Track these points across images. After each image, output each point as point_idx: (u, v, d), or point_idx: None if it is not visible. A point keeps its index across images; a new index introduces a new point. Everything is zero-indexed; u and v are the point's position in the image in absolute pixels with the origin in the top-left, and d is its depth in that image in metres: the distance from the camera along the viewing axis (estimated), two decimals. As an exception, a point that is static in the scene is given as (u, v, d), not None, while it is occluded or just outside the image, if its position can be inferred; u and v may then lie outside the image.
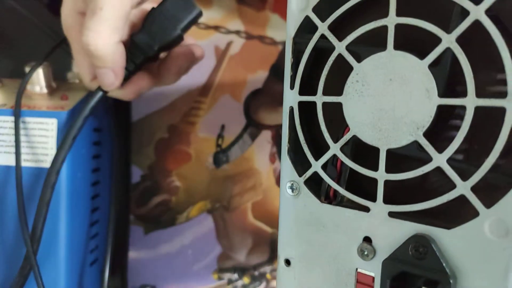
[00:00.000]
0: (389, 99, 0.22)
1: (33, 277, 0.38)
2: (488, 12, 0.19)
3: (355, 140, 0.23)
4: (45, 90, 0.43)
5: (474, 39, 0.20)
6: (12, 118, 0.40)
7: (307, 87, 0.26)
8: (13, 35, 0.51)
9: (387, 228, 0.22)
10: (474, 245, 0.19)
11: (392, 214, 0.22)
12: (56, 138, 0.40)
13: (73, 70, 0.47)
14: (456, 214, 0.20)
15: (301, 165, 0.26)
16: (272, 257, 0.53)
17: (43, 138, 0.40)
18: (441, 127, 0.20)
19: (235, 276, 0.53)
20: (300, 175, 0.26)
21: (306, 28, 0.25)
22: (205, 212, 0.52)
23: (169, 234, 0.52)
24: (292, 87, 0.26)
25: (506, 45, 0.18)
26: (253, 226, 0.52)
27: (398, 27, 0.21)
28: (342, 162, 0.24)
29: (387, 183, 0.22)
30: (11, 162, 0.40)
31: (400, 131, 0.21)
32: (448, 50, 0.20)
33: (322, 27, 0.24)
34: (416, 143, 0.21)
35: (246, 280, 0.53)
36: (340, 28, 0.24)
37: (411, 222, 0.21)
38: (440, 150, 0.20)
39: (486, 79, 0.19)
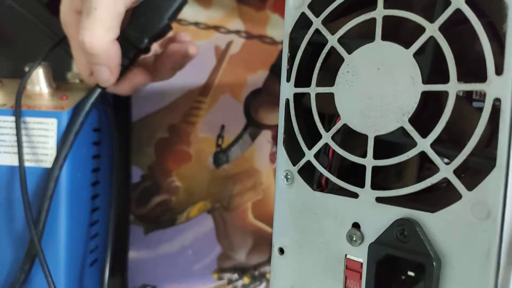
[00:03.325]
0: (377, 87, 0.23)
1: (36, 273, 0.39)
2: (469, 1, 0.20)
3: (346, 129, 0.24)
4: (45, 90, 0.43)
5: (456, 28, 0.21)
6: (12, 118, 0.40)
7: (304, 80, 0.26)
8: (13, 35, 0.51)
9: (375, 214, 0.23)
10: (457, 228, 0.20)
11: (379, 200, 0.22)
12: (56, 138, 0.40)
13: (73, 70, 0.47)
14: (440, 198, 0.21)
15: (295, 155, 0.27)
16: (272, 257, 0.53)
17: (43, 138, 0.40)
18: (425, 113, 0.21)
19: (235, 276, 0.53)
20: (294, 165, 0.26)
21: (302, 24, 0.26)
22: (205, 212, 0.52)
23: (169, 234, 0.52)
24: (288, 80, 0.27)
25: (485, 32, 0.19)
26: (253, 226, 0.52)
27: (386, 19, 0.22)
28: (333, 151, 0.25)
29: (376, 169, 0.23)
30: (11, 162, 0.40)
31: (387, 118, 0.22)
32: (431, 38, 0.21)
33: (316, 22, 0.25)
34: (402, 129, 0.22)
35: (246, 280, 0.53)
36: (336, 25, 0.25)
37: (397, 207, 0.22)
38: (424, 135, 0.21)
39: (468, 66, 0.20)
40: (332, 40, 0.25)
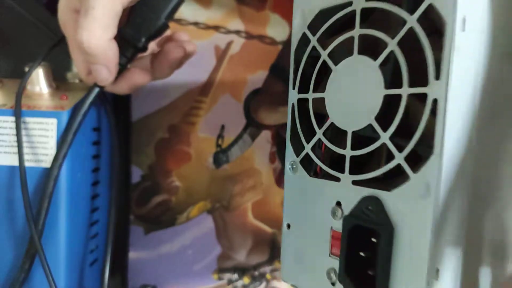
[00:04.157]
0: (353, 93, 0.28)
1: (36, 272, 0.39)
2: (423, 20, 0.24)
3: (334, 127, 0.30)
4: (45, 90, 0.43)
5: (412, 42, 0.25)
6: (12, 118, 0.40)
7: (307, 88, 0.32)
8: (13, 35, 0.51)
9: (351, 194, 0.28)
10: (406, 203, 0.25)
11: (355, 182, 0.28)
12: (56, 138, 0.40)
13: (73, 70, 0.47)
14: (398, 180, 0.26)
15: (298, 148, 0.33)
16: (272, 257, 0.53)
17: (43, 138, 0.40)
18: (390, 113, 0.26)
19: (235, 276, 0.53)
20: (297, 156, 0.33)
21: (303, 42, 0.33)
22: (205, 212, 0.52)
23: (169, 234, 0.52)
24: (293, 87, 0.33)
25: (430, 46, 0.24)
26: (253, 226, 0.53)
27: (362, 37, 0.28)
28: (325, 145, 0.31)
29: (353, 158, 0.28)
30: (11, 162, 0.40)
31: (360, 117, 0.27)
32: (392, 52, 0.26)
33: (313, 40, 0.31)
34: (370, 126, 0.27)
35: (246, 280, 0.53)
36: (331, 41, 0.30)
37: (367, 188, 0.27)
38: (385, 130, 0.26)
39: (420, 73, 0.24)
40: (324, 55, 0.30)
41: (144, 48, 0.38)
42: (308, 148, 0.32)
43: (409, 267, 0.25)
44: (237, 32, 0.51)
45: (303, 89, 0.33)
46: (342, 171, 0.29)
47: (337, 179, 0.29)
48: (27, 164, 0.40)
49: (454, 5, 0.23)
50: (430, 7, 0.24)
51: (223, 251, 0.53)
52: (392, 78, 0.26)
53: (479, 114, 0.24)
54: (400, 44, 0.25)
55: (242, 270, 0.53)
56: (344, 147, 0.29)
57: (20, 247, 0.40)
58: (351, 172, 0.28)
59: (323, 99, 0.30)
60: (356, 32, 0.28)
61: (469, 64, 0.24)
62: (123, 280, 0.52)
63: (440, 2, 0.23)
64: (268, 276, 0.53)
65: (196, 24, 0.51)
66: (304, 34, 0.32)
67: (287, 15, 0.51)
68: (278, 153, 0.52)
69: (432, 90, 0.24)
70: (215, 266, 0.53)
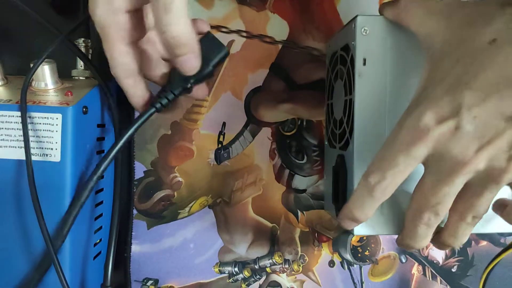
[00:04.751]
0: (340, 103, 0.43)
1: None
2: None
3: (334, 118, 0.45)
4: (50, 87, 0.44)
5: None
6: (17, 113, 0.40)
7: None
8: (18, 33, 0.52)
9: (335, 154, 0.46)
10: (349, 155, 0.40)
11: (340, 148, 0.43)
12: (60, 133, 0.41)
13: (78, 67, 0.48)
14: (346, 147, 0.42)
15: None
16: (272, 251, 0.53)
17: (48, 132, 0.41)
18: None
19: (236, 269, 0.53)
20: (325, 140, 0.51)
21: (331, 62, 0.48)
22: (206, 207, 0.53)
23: (172, 228, 0.53)
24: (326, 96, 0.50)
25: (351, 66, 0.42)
26: (253, 221, 0.53)
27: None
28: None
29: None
30: (17, 156, 0.41)
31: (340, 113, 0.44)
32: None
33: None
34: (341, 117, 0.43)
35: (246, 273, 0.53)
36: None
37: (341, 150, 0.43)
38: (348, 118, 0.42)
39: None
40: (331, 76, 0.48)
41: (191, 89, 0.41)
42: (327, 132, 0.49)
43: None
44: (238, 32, 0.52)
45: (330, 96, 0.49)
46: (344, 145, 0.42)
47: (334, 147, 0.45)
48: (32, 158, 0.40)
49: (357, 49, 0.39)
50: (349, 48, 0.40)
51: (224, 245, 0.53)
52: (345, 91, 0.42)
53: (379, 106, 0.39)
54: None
55: (242, 264, 0.53)
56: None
57: (28, 240, 0.41)
58: (340, 147, 0.43)
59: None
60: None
61: (369, 82, 0.39)
62: (126, 274, 0.53)
63: (354, 49, 0.39)
64: (268, 269, 0.54)
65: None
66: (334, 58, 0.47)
67: (286, 15, 0.52)
68: (278, 150, 0.53)
69: (352, 96, 0.39)
70: (216, 259, 0.53)
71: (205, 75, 0.41)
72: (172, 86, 0.41)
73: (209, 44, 0.41)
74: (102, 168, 0.40)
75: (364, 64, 0.38)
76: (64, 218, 0.41)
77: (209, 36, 0.41)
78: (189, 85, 0.41)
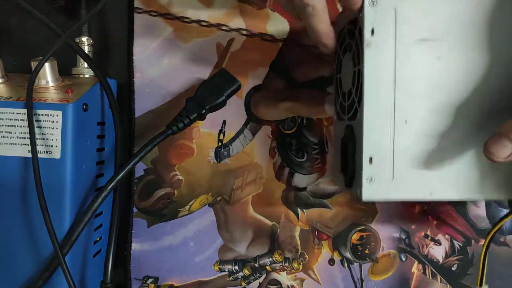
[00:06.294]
0: (348, 76, 0.43)
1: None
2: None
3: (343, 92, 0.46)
4: (50, 84, 0.44)
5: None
6: (18, 110, 0.41)
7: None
8: (18, 30, 0.52)
9: (343, 126, 0.45)
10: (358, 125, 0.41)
11: (348, 119, 0.43)
12: (61, 130, 0.41)
13: (78, 65, 0.48)
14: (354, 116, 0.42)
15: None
16: (272, 249, 0.53)
17: (48, 129, 0.41)
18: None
19: (236, 267, 0.53)
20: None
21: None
22: (206, 205, 0.53)
23: (172, 227, 0.53)
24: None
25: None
26: (253, 219, 0.53)
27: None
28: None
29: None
30: (19, 153, 0.41)
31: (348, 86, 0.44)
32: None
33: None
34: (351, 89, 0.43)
35: (246, 271, 0.54)
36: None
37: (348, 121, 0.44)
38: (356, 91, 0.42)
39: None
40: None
41: (205, 115, 0.48)
42: (337, 112, 0.48)
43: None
44: (238, 30, 0.52)
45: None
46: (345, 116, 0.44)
47: (343, 119, 0.45)
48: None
49: (365, 20, 0.39)
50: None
51: (224, 244, 0.53)
52: (353, 62, 0.42)
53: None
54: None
55: (242, 262, 0.53)
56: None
57: (33, 236, 0.42)
58: (349, 118, 0.43)
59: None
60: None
61: (377, 52, 0.39)
62: (125, 272, 0.53)
63: (362, 20, 0.39)
64: (268, 268, 0.54)
65: (198, 22, 0.52)
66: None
67: (286, 13, 0.52)
68: (278, 148, 0.53)
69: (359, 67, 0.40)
70: (216, 258, 0.53)
71: (218, 104, 0.47)
72: (189, 112, 0.46)
73: (223, 77, 0.48)
74: (117, 179, 0.44)
75: (372, 34, 0.39)
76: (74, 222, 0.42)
77: (222, 70, 0.49)
78: (203, 111, 0.46)
